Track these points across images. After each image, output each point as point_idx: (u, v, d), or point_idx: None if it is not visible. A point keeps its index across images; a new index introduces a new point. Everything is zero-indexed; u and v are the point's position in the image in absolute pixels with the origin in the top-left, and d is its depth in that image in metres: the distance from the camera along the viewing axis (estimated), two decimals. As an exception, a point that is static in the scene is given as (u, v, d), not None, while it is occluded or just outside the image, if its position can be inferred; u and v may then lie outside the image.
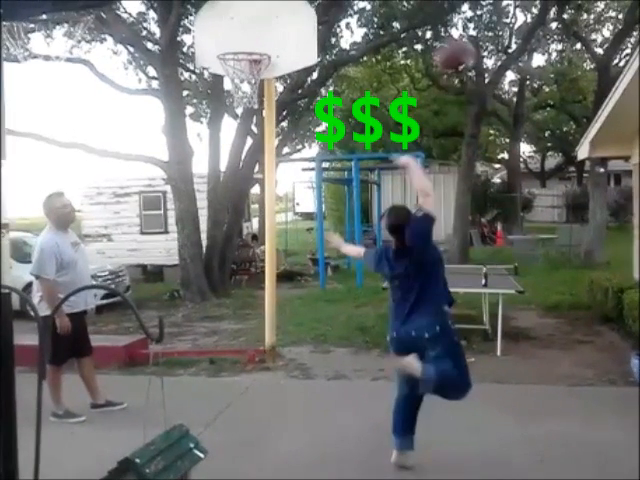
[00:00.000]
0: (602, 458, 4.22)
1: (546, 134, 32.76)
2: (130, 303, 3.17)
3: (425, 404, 4.12)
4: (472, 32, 19.84)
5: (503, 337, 7.05)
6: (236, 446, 4.44)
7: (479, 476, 3.97)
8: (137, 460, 2.20)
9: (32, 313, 8.84)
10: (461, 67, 5.29)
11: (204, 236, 11.95)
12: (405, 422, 4.09)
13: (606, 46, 19.87)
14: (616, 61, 19.68)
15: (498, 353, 6.89)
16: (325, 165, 17.15)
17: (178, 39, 12.70)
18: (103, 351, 6.76)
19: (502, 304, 7.13)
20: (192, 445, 2.52)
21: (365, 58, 18.66)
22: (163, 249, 14.32)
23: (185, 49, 14.72)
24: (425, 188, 4.07)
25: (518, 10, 20.60)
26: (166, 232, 14.44)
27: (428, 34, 17.79)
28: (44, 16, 9.61)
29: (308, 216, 34.77)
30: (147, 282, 13.97)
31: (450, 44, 5.54)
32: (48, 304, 4.93)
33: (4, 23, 2.87)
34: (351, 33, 25.36)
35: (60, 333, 4.90)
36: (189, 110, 18.19)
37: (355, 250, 5.01)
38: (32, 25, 11.02)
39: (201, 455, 2.49)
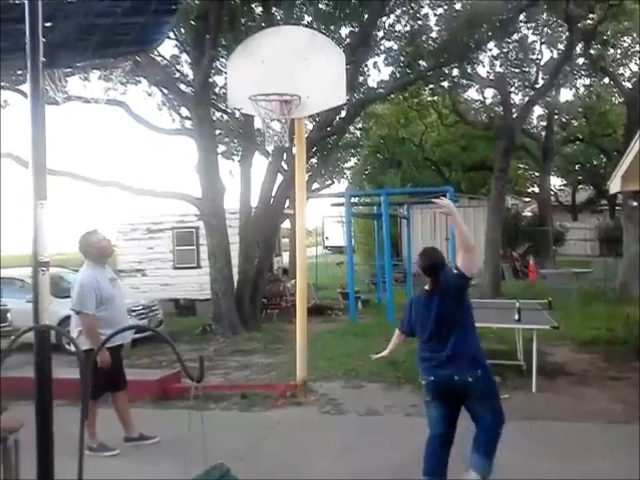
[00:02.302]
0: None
1: (576, 167, 32.52)
2: (171, 343, 3.21)
3: (457, 440, 4.08)
4: (499, 69, 20.03)
5: (538, 373, 6.94)
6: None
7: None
8: None
9: (73, 349, 9.03)
10: None
11: (235, 270, 12.09)
12: (437, 464, 4.04)
13: (634, 80, 19.81)
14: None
15: (533, 389, 6.77)
16: (354, 200, 17.24)
17: (210, 80, 13.07)
18: (136, 385, 6.83)
19: (536, 339, 7.04)
20: None
21: (392, 95, 18.88)
22: (195, 283, 14.50)
23: (217, 90, 15.12)
24: (465, 244, 3.98)
25: (544, 46, 20.70)
26: (198, 267, 14.65)
27: (455, 71, 18.00)
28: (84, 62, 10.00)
29: (337, 250, 34.83)
30: (179, 316, 14.12)
31: None
32: (89, 339, 5.02)
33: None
34: (378, 72, 25.69)
35: (100, 367, 4.95)
36: (221, 148, 18.56)
37: None
38: (70, 69, 11.49)
39: None
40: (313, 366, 7.61)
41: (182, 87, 13.80)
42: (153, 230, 15.49)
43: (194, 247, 14.98)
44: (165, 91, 15.16)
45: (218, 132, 17.04)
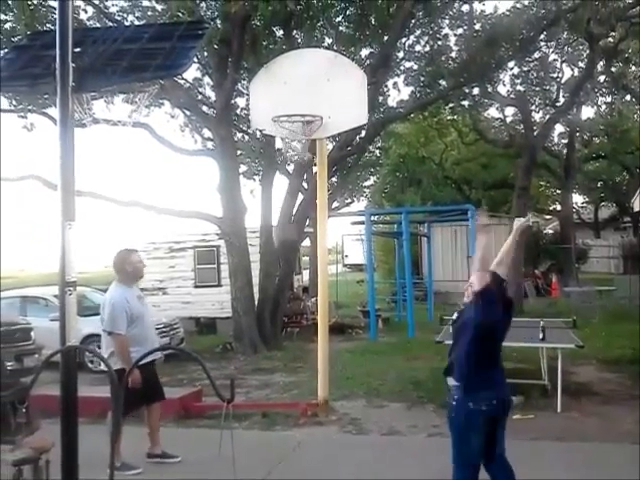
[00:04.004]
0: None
1: (598, 185, 32.23)
2: (202, 362, 3.23)
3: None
4: (519, 87, 20.04)
5: (563, 393, 6.84)
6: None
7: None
8: None
9: (96, 367, 9.11)
10: None
11: (256, 289, 12.14)
12: None
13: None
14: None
15: (558, 409, 6.67)
16: (374, 218, 17.26)
17: (232, 102, 13.25)
18: (163, 404, 6.87)
19: (561, 359, 6.95)
20: None
21: (412, 115, 18.95)
22: (216, 302, 14.56)
23: (239, 111, 15.31)
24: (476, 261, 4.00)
25: (565, 64, 20.67)
26: (219, 285, 14.72)
27: (475, 90, 18.04)
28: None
29: (357, 268, 34.76)
30: (200, 334, 14.18)
31: None
32: (121, 359, 5.04)
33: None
34: (398, 92, 25.74)
35: (131, 387, 4.88)
36: (242, 168, 18.75)
37: None
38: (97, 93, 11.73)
39: None
40: (334, 385, 7.58)
41: (204, 109, 14.01)
42: (175, 249, 15.63)
43: (215, 265, 15.07)
44: (188, 113, 15.39)
45: (239, 153, 17.23)
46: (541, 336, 7.01)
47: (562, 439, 5.82)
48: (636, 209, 10.14)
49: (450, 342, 7.16)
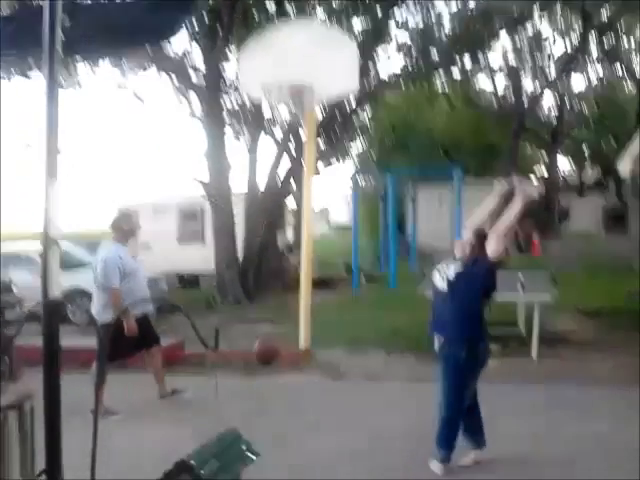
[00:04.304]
0: (634, 455, 4.16)
1: (585, 149, 32.37)
2: (186, 312, 3.29)
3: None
4: (511, 59, 19.84)
5: (540, 342, 6.98)
6: (269, 446, 4.48)
7: (510, 474, 3.96)
8: (193, 462, 2.27)
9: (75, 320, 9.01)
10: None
11: (240, 246, 12.20)
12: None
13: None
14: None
15: (534, 356, 6.82)
16: (362, 179, 17.28)
17: (220, 66, 13.06)
18: (141, 353, 6.93)
19: (539, 310, 7.08)
20: (244, 447, 2.57)
21: (403, 83, 18.73)
22: (200, 258, 14.59)
23: (227, 76, 15.08)
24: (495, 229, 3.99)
25: (557, 36, 20.51)
26: (203, 242, 14.74)
27: (467, 60, 17.81)
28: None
29: (343, 228, 34.90)
30: (182, 289, 14.25)
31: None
32: (116, 310, 5.27)
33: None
34: (390, 62, 25.47)
35: (126, 334, 5.22)
36: (229, 133, 18.56)
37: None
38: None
39: (253, 457, 2.55)
40: (316, 335, 7.65)
41: (192, 73, 13.78)
42: (159, 209, 15.60)
43: (199, 223, 15.07)
44: (175, 77, 15.15)
45: (227, 120, 17.03)
46: (520, 288, 7.13)
47: (535, 382, 5.96)
48: (621, 171, 10.21)
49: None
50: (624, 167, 9.58)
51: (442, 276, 4.01)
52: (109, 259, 5.40)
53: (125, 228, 5.61)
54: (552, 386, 5.85)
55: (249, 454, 2.51)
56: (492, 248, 3.86)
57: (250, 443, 2.58)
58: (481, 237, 4.02)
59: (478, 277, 3.94)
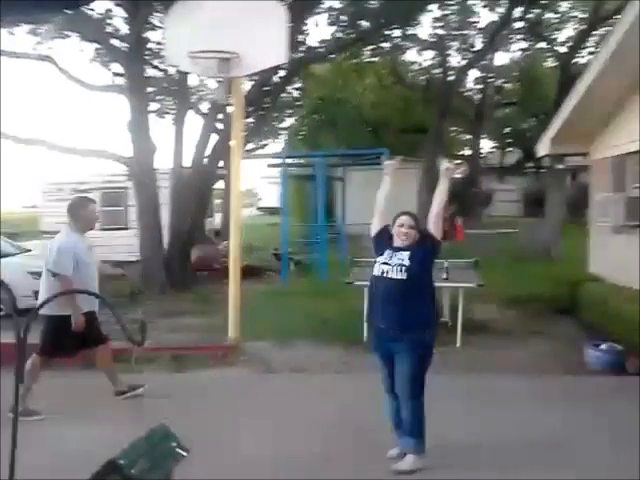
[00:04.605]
0: (556, 442, 4.36)
1: (506, 131, 33.34)
2: (111, 306, 3.15)
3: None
4: (439, 31, 20.13)
5: (463, 329, 7.19)
6: (200, 441, 4.42)
7: (439, 460, 4.05)
8: (122, 462, 2.20)
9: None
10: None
11: (166, 232, 11.86)
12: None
13: (568, 45, 20.28)
14: (578, 60, 20.10)
15: (458, 344, 7.02)
16: (290, 161, 17.14)
17: (145, 36, 12.55)
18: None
19: (462, 297, 7.27)
20: (174, 444, 2.52)
21: (332, 56, 18.69)
22: (124, 245, 14.14)
23: (151, 46, 14.52)
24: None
25: (484, 9, 20.87)
26: (127, 228, 14.29)
27: (396, 32, 17.94)
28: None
29: (271, 211, 34.72)
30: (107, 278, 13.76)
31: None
32: (67, 300, 5.03)
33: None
34: (319, 31, 25.31)
35: (72, 330, 5.07)
36: (154, 106, 17.97)
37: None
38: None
39: (184, 454, 2.50)
40: (245, 326, 7.60)
41: (115, 43, 13.18)
42: (80, 190, 14.96)
43: (123, 208, 14.59)
44: (96, 46, 14.47)
45: (151, 90, 16.47)
46: (444, 276, 7.30)
47: (460, 371, 6.14)
48: (540, 154, 10.55)
49: (361, 283, 7.38)
50: (542, 150, 9.90)
51: (395, 267, 4.00)
52: (64, 246, 5.23)
53: (82, 218, 5.39)
54: (475, 375, 6.04)
55: (179, 450, 2.48)
56: (435, 229, 4.07)
57: (179, 439, 2.53)
58: (417, 220, 4.21)
59: (428, 260, 4.13)
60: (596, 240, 9.12)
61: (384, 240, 4.25)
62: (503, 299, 9.82)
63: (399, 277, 3.98)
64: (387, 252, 4.14)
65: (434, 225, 4.07)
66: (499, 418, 4.80)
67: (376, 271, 4.11)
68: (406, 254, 4.05)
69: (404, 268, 3.99)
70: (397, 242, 4.16)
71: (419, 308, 4.03)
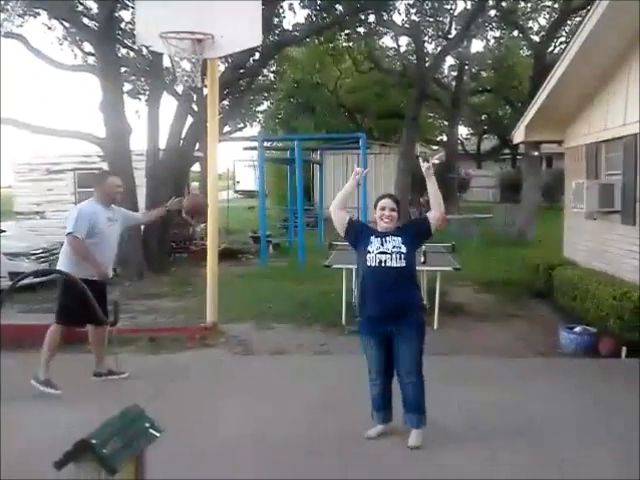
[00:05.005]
0: (531, 423, 4.45)
1: (483, 117, 33.56)
2: (82, 286, 3.11)
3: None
4: (414, 17, 20.09)
5: (440, 312, 7.26)
6: (177, 423, 4.42)
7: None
8: (94, 441, 2.19)
9: None
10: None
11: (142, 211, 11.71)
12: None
13: (542, 34, 20.42)
14: (551, 49, 20.26)
15: (435, 327, 7.10)
16: (267, 144, 17.03)
17: (116, 14, 12.29)
18: (39, 329, 6.58)
19: (440, 280, 7.34)
20: (148, 424, 2.52)
21: (308, 39, 18.55)
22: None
23: (123, 25, 14.24)
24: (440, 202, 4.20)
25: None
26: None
27: (371, 17, 17.86)
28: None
29: (249, 194, 34.52)
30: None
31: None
32: (79, 258, 5.20)
33: None
34: (294, 14, 25.02)
35: (99, 279, 5.16)
36: (127, 87, 17.66)
37: None
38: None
39: (157, 434, 2.50)
40: (223, 309, 7.58)
41: (85, 21, 12.90)
42: (53, 171, 14.73)
43: (97, 189, 14.40)
44: (67, 24, 14.14)
45: (124, 70, 16.18)
46: (422, 259, 7.35)
47: (437, 353, 6.19)
48: (516, 141, 10.64)
49: (340, 266, 7.40)
50: (518, 137, 9.99)
51: (394, 255, 3.97)
52: (83, 211, 5.37)
53: (103, 190, 5.49)
54: (452, 357, 6.12)
55: (152, 431, 2.48)
56: (436, 216, 4.13)
57: (153, 420, 2.54)
58: (398, 202, 4.23)
59: (418, 243, 4.24)
60: (570, 225, 9.26)
61: (360, 230, 4.23)
62: (479, 283, 9.96)
63: (399, 265, 3.97)
64: (374, 239, 4.07)
65: (438, 211, 4.14)
66: (475, 399, 4.87)
67: (372, 261, 4.01)
68: (398, 239, 4.03)
69: (403, 255, 3.98)
70: (381, 226, 4.14)
71: (415, 290, 4.15)
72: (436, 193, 4.14)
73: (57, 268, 5.38)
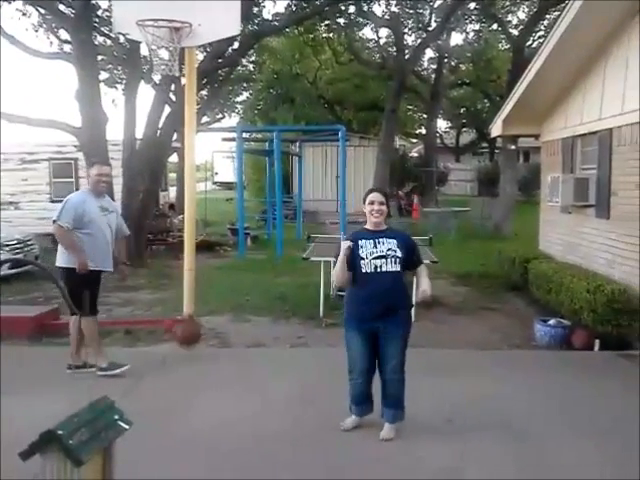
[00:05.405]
0: (506, 414, 4.50)
1: (461, 111, 33.74)
2: (53, 276, 3.07)
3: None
4: (394, 8, 20.09)
5: (417, 305, 7.27)
6: (153, 415, 4.39)
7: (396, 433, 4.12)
8: (60, 432, 2.17)
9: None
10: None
11: (119, 205, 11.57)
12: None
13: (521, 28, 20.55)
14: (530, 43, 20.39)
15: (412, 319, 7.11)
16: (245, 135, 16.93)
17: (93, 2, 12.09)
18: (11, 322, 6.51)
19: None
20: (117, 417, 2.50)
21: (287, 30, 18.46)
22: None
23: (100, 12, 14.02)
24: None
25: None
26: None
27: (351, 8, 17.82)
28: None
29: (227, 186, 34.36)
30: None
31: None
32: (65, 248, 5.22)
33: None
34: (274, 3, 24.82)
35: (78, 271, 5.13)
36: (103, 75, 17.43)
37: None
38: None
39: (126, 427, 2.48)
40: (201, 301, 7.52)
41: (62, 8, 12.67)
42: (28, 161, 14.48)
43: (73, 179, 14.20)
44: (42, 11, 13.88)
45: (100, 58, 15.95)
46: (400, 253, 7.37)
47: (413, 345, 6.21)
48: (493, 135, 10.71)
49: (318, 259, 7.39)
50: (496, 131, 10.06)
51: (389, 259, 3.93)
52: (72, 199, 5.35)
53: (92, 180, 5.43)
54: (428, 349, 6.15)
55: (121, 423, 2.46)
56: (419, 280, 4.17)
57: (122, 412, 2.52)
58: (386, 195, 4.21)
59: (406, 257, 4.03)
60: (546, 219, 9.35)
61: (354, 242, 4.03)
62: (456, 276, 10.03)
63: (394, 269, 3.95)
64: (366, 242, 3.99)
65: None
66: (451, 391, 4.92)
67: (367, 267, 3.93)
68: (393, 242, 3.99)
69: (398, 260, 3.96)
70: (371, 221, 4.08)
71: (405, 288, 4.14)
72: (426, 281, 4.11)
73: (57, 261, 5.35)
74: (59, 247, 5.41)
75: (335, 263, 4.09)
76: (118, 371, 5.35)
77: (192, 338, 6.24)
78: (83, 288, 5.15)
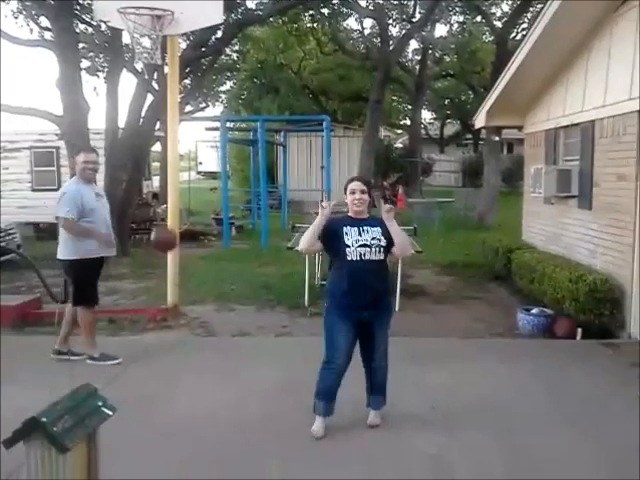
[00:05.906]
0: (489, 402, 4.54)
1: (446, 102, 33.81)
2: (34, 265, 3.04)
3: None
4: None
5: (401, 294, 7.33)
6: (137, 404, 4.38)
7: (382, 422, 4.15)
8: (43, 419, 2.16)
9: None
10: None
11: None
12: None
13: (505, 20, 20.61)
14: (513, 35, 20.46)
15: (396, 308, 7.14)
16: (229, 125, 16.84)
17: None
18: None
19: (401, 263, 7.40)
20: (100, 403, 2.49)
21: (271, 19, 18.33)
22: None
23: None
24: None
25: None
26: (59, 189, 13.78)
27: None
28: None
29: (211, 175, 34.20)
30: (39, 240, 13.28)
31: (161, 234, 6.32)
32: (77, 235, 5.23)
33: None
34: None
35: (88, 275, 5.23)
36: (85, 63, 17.22)
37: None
38: None
39: (109, 413, 2.47)
40: (185, 291, 7.52)
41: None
42: (8, 149, 14.28)
43: (54, 168, 14.04)
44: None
45: (82, 46, 15.74)
46: (384, 242, 7.39)
47: (397, 334, 6.25)
48: (477, 126, 10.75)
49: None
50: (479, 122, 10.10)
51: (374, 248, 3.86)
52: (68, 192, 5.33)
53: (79, 166, 5.42)
54: (412, 338, 6.19)
55: (105, 409, 2.45)
56: (395, 253, 4.10)
57: (105, 398, 2.51)
58: (368, 183, 4.16)
59: (382, 235, 3.96)
60: (529, 210, 9.42)
61: (331, 228, 3.96)
62: (440, 265, 10.08)
63: (378, 258, 3.90)
64: (351, 229, 3.92)
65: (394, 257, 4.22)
66: (434, 380, 4.95)
67: (352, 255, 3.85)
68: (377, 230, 3.93)
69: (382, 249, 3.91)
70: (353, 210, 4.01)
71: (387, 276, 4.11)
72: (399, 236, 3.98)
73: (58, 256, 5.39)
74: (60, 240, 5.37)
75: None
76: (109, 363, 5.32)
77: (167, 244, 6.33)
78: (89, 278, 5.28)
